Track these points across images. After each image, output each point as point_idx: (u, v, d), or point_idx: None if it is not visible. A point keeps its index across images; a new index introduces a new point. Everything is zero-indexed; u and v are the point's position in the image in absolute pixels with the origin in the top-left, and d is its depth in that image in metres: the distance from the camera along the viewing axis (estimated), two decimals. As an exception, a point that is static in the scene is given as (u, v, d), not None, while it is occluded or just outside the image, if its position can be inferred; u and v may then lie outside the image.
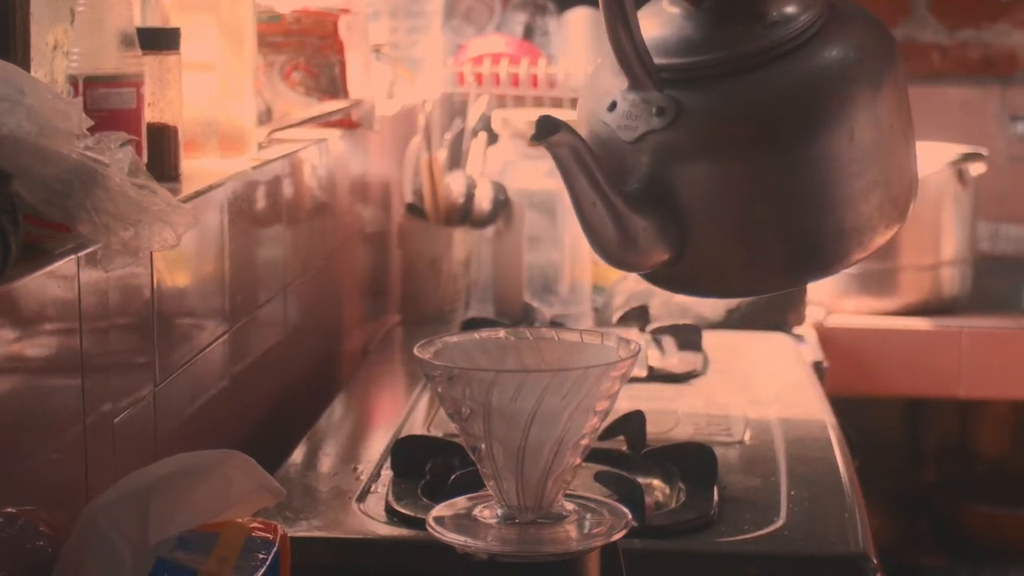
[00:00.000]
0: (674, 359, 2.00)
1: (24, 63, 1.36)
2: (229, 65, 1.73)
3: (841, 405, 1.93)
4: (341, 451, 1.64)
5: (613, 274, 2.39)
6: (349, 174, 2.14)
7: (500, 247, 2.40)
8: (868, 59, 1.31)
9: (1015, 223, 3.19)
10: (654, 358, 1.99)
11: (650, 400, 1.77)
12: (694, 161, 1.28)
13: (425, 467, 1.47)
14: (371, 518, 1.41)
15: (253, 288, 1.70)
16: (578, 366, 1.09)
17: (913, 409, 3.30)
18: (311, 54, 2.05)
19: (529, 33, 3.11)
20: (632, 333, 2.09)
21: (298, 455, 1.61)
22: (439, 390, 1.10)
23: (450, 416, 1.11)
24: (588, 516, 1.12)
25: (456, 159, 2.55)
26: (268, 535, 1.06)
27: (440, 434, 1.61)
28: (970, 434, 3.31)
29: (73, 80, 1.40)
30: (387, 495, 1.45)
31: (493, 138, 2.54)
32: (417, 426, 1.71)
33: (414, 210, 2.38)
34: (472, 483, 1.27)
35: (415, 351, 1.11)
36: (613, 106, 1.31)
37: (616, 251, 1.28)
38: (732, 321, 2.31)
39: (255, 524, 1.07)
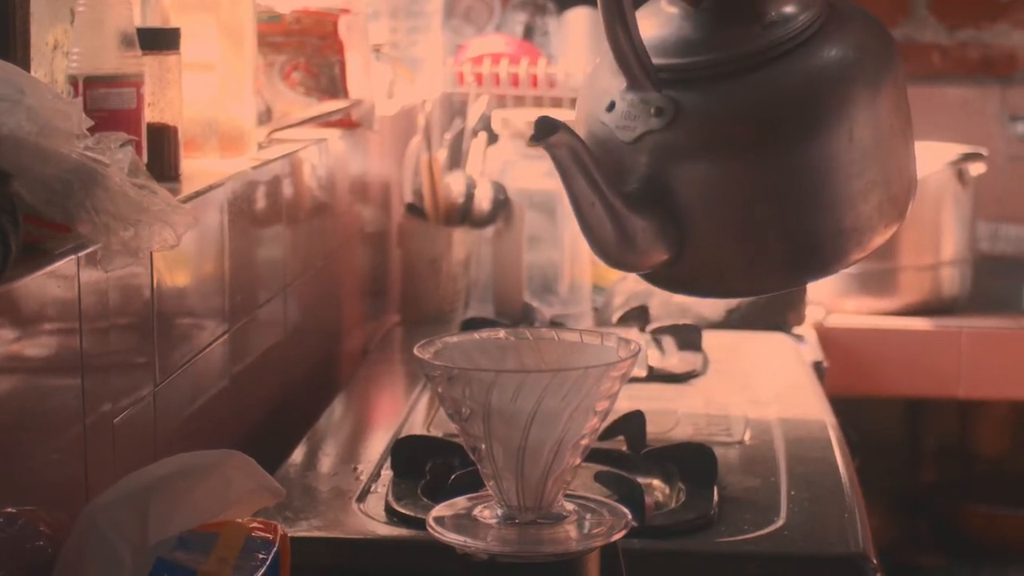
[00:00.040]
0: (674, 359, 2.00)
1: (24, 63, 1.36)
2: (229, 65, 1.73)
3: (841, 405, 1.93)
4: (341, 451, 1.64)
5: (613, 274, 2.39)
6: (349, 174, 2.14)
7: (500, 247, 2.40)
8: (867, 59, 1.31)
9: (1015, 223, 3.19)
10: (654, 358, 1.99)
11: (650, 400, 1.77)
12: (693, 161, 1.28)
13: (425, 467, 1.47)
14: (371, 518, 1.41)
15: (253, 288, 1.70)
16: (578, 366, 1.09)
17: (913, 409, 3.30)
18: (311, 54, 2.05)
19: (529, 33, 3.11)
20: (632, 333, 2.09)
21: (298, 455, 1.61)
22: (439, 390, 1.10)
23: (450, 416, 1.11)
24: (588, 516, 1.12)
25: (456, 159, 2.55)
26: (268, 535, 1.06)
27: (440, 434, 1.61)
28: (970, 434, 3.31)
29: (73, 80, 1.40)
30: (387, 495, 1.45)
31: (493, 138, 2.54)
32: (417, 426, 1.71)
33: (414, 210, 2.38)
34: (472, 483, 1.27)
35: (415, 351, 1.11)
36: (612, 106, 1.31)
37: (615, 252, 1.28)
38: (732, 321, 2.31)
39: (255, 524, 1.07)
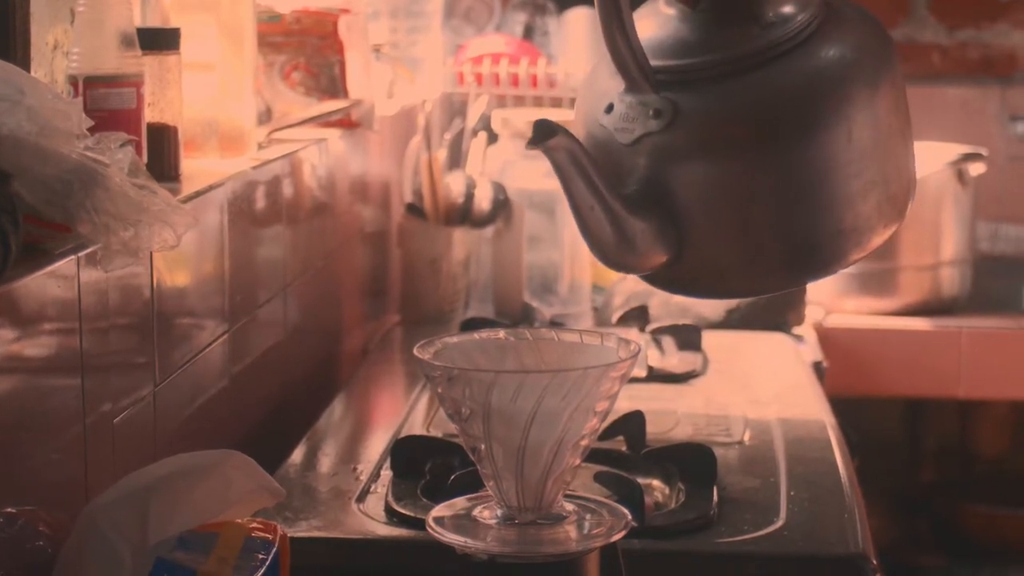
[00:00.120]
0: (674, 359, 2.00)
1: (24, 63, 1.36)
2: (229, 65, 1.73)
3: (841, 405, 1.93)
4: (341, 451, 1.64)
5: (613, 274, 2.39)
6: (349, 174, 2.14)
7: (500, 247, 2.40)
8: (865, 59, 1.31)
9: (1015, 223, 3.19)
10: (654, 358, 1.99)
11: (650, 400, 1.77)
12: (692, 163, 1.28)
13: (425, 467, 1.47)
14: (371, 518, 1.41)
15: (253, 288, 1.70)
16: (578, 367, 1.09)
17: (913, 409, 3.30)
18: (311, 54, 2.05)
19: (529, 33, 3.11)
20: (632, 333, 2.09)
21: (298, 455, 1.61)
22: (439, 391, 1.11)
23: (450, 417, 1.11)
24: (588, 517, 1.12)
25: (456, 159, 2.55)
26: (268, 535, 1.06)
27: (440, 434, 1.61)
28: (969, 434, 3.31)
29: (73, 80, 1.40)
30: (387, 495, 1.45)
31: (493, 138, 2.54)
32: (417, 426, 1.71)
33: (414, 210, 2.38)
34: (472, 483, 1.27)
35: (415, 352, 1.11)
36: (610, 108, 1.31)
37: (614, 253, 1.28)
38: (732, 321, 2.31)
39: (255, 524, 1.07)
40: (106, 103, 1.40)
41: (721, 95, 1.28)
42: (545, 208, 2.47)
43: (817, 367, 2.21)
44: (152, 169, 1.25)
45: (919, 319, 2.77)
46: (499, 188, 2.39)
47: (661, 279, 1.35)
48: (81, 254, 1.21)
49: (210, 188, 1.53)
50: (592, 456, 1.33)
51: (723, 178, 1.28)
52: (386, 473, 1.51)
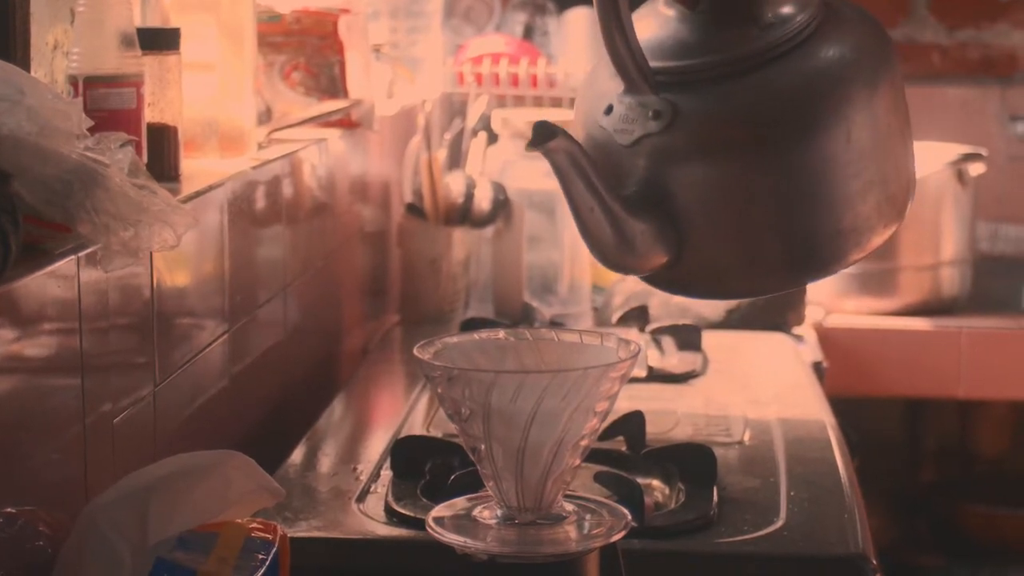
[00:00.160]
0: (674, 359, 2.00)
1: (24, 63, 1.36)
2: (229, 65, 1.73)
3: (840, 405, 1.93)
4: (341, 451, 1.64)
5: (613, 274, 2.38)
6: (349, 174, 2.14)
7: (500, 247, 2.40)
8: (864, 59, 1.31)
9: (1015, 223, 3.19)
10: (654, 358, 1.99)
11: (650, 400, 1.77)
12: (691, 164, 1.28)
13: (425, 467, 1.47)
14: (370, 518, 1.41)
15: (253, 288, 1.70)
16: (577, 367, 1.09)
17: (912, 409, 3.30)
18: (311, 54, 2.05)
19: (529, 33, 3.11)
20: (632, 333, 2.09)
21: (297, 455, 1.61)
22: (439, 391, 1.11)
23: (450, 417, 1.11)
24: (588, 517, 1.12)
25: (456, 159, 2.55)
26: (267, 535, 1.06)
27: (440, 434, 1.61)
28: (969, 434, 3.31)
29: (73, 80, 1.40)
30: (386, 495, 1.45)
31: (493, 138, 2.54)
32: (417, 426, 1.71)
33: (414, 210, 2.38)
34: (472, 484, 1.27)
35: (415, 352, 1.11)
36: (609, 110, 1.31)
37: (614, 255, 1.28)
38: (732, 321, 2.31)
39: (254, 524, 1.07)
40: (106, 103, 1.40)
41: (720, 96, 1.28)
42: (545, 208, 2.47)
43: (817, 367, 2.21)
44: (152, 169, 1.25)
45: (919, 319, 2.77)
46: (499, 188, 2.39)
47: (661, 280, 1.35)
48: (81, 254, 1.21)
49: (210, 188, 1.53)
50: (592, 456, 1.34)
51: (723, 179, 1.28)
52: (386, 473, 1.51)
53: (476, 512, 1.13)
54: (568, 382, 1.07)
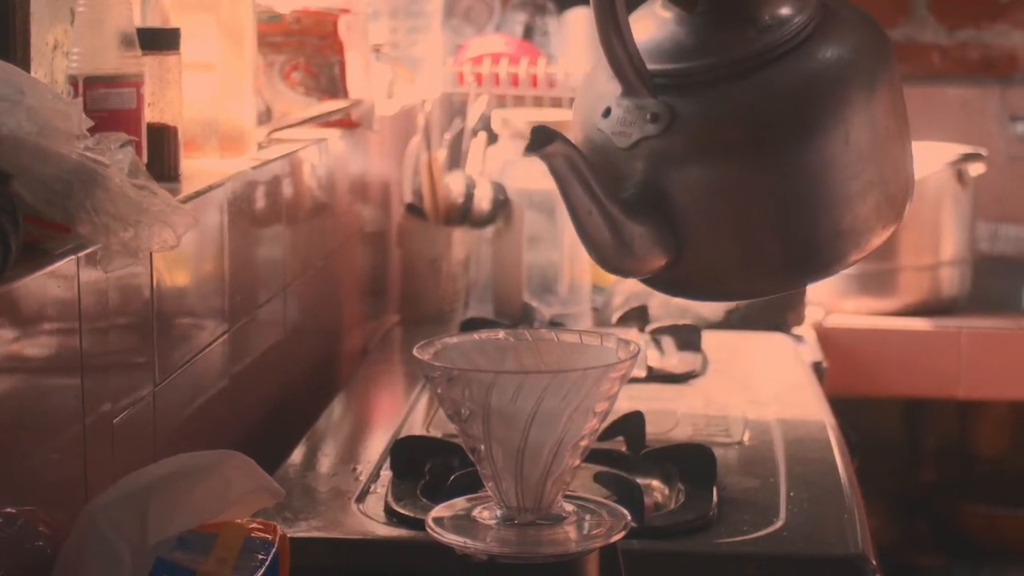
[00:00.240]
0: (673, 359, 2.00)
1: (24, 63, 1.36)
2: (229, 65, 1.73)
3: (840, 405, 1.93)
4: (340, 451, 1.64)
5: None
6: (349, 174, 2.14)
7: (499, 247, 2.40)
8: (862, 60, 1.30)
9: (1014, 223, 3.19)
10: (653, 358, 1.99)
11: (649, 400, 1.77)
12: (689, 167, 1.28)
13: (424, 468, 1.47)
14: (370, 519, 1.41)
15: (253, 288, 1.70)
16: (577, 367, 1.09)
17: (912, 409, 3.30)
18: (311, 54, 2.05)
19: (529, 33, 3.11)
20: (631, 333, 2.09)
21: (297, 455, 1.61)
22: (438, 391, 1.11)
23: (449, 417, 1.11)
24: (587, 517, 1.12)
25: (456, 159, 2.55)
26: (267, 535, 1.06)
27: (439, 435, 1.61)
28: (969, 435, 3.31)
29: (73, 80, 1.40)
30: (386, 496, 1.45)
31: (493, 138, 2.54)
32: (416, 426, 1.71)
33: (414, 210, 2.38)
34: (471, 484, 1.27)
35: (414, 352, 1.11)
36: (607, 112, 1.31)
37: (613, 258, 1.28)
38: (731, 321, 2.31)
39: (254, 524, 1.07)
40: (106, 103, 1.40)
41: (718, 98, 1.28)
42: (545, 208, 2.47)
43: (817, 367, 2.21)
44: (152, 169, 1.25)
45: (919, 319, 2.77)
46: (499, 188, 2.39)
47: (660, 282, 1.35)
48: (81, 254, 1.21)
49: (210, 188, 1.53)
50: (592, 456, 1.34)
51: (721, 181, 1.28)
52: (386, 473, 1.51)
53: (476, 512, 1.13)
54: (568, 382, 1.07)
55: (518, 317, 2.32)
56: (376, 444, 1.65)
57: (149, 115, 1.47)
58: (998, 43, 3.26)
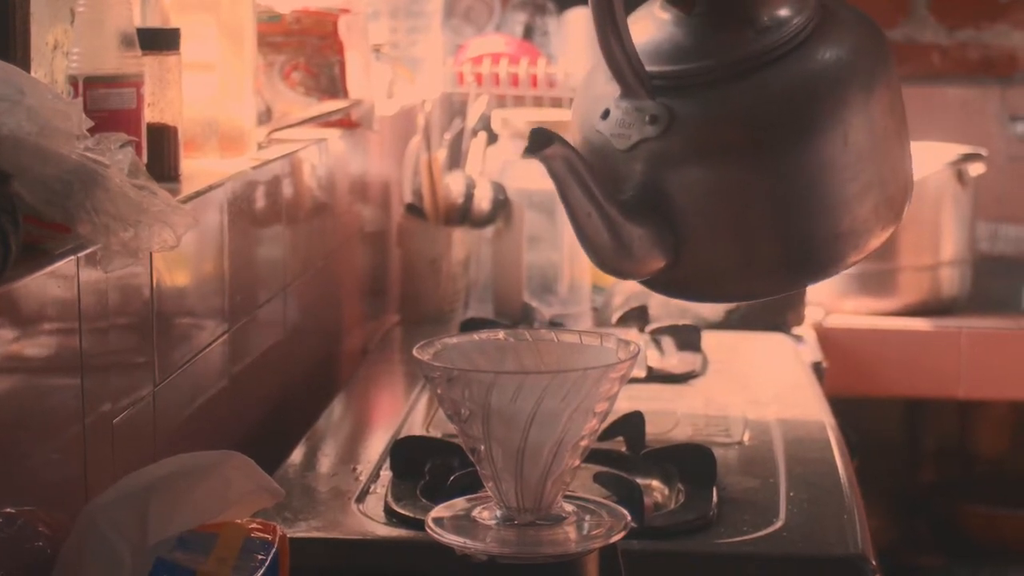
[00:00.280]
0: (673, 360, 2.00)
1: (24, 63, 1.36)
2: (229, 65, 1.73)
3: (840, 405, 1.93)
4: (340, 451, 1.64)
5: (612, 275, 2.38)
6: (349, 174, 2.14)
7: (499, 247, 2.40)
8: (861, 61, 1.30)
9: (1014, 223, 3.19)
10: (653, 359, 1.99)
11: (649, 401, 1.77)
12: (688, 168, 1.28)
13: (424, 468, 1.47)
14: (370, 519, 1.41)
15: (253, 288, 1.70)
16: (577, 367, 1.09)
17: (912, 410, 3.30)
18: (311, 54, 2.05)
19: (529, 33, 3.11)
20: (631, 333, 2.09)
21: (297, 455, 1.61)
22: (438, 391, 1.11)
23: (449, 417, 1.11)
24: (587, 517, 1.12)
25: (456, 159, 2.55)
26: (267, 536, 1.06)
27: (439, 435, 1.61)
28: (969, 435, 3.31)
29: (73, 80, 1.40)
30: (386, 496, 1.45)
31: (493, 138, 2.54)
32: (416, 427, 1.71)
33: (413, 210, 2.38)
34: (471, 484, 1.27)
35: (414, 352, 1.11)
36: (606, 114, 1.31)
37: (612, 260, 1.28)
38: (731, 322, 2.31)
39: (254, 525, 1.07)
40: (106, 103, 1.40)
41: (717, 100, 1.28)
42: (545, 208, 2.47)
43: (816, 367, 2.21)
44: (152, 169, 1.25)
45: (919, 319, 2.77)
46: (499, 188, 2.39)
47: (659, 283, 1.35)
48: (81, 254, 1.21)
49: (210, 188, 1.53)
50: (592, 456, 1.34)
51: (720, 183, 1.28)
52: (385, 473, 1.51)
53: (475, 513, 1.13)
54: (568, 383, 1.07)
55: (518, 317, 2.32)
56: (376, 444, 1.65)
57: (149, 115, 1.48)
58: (998, 43, 3.26)
